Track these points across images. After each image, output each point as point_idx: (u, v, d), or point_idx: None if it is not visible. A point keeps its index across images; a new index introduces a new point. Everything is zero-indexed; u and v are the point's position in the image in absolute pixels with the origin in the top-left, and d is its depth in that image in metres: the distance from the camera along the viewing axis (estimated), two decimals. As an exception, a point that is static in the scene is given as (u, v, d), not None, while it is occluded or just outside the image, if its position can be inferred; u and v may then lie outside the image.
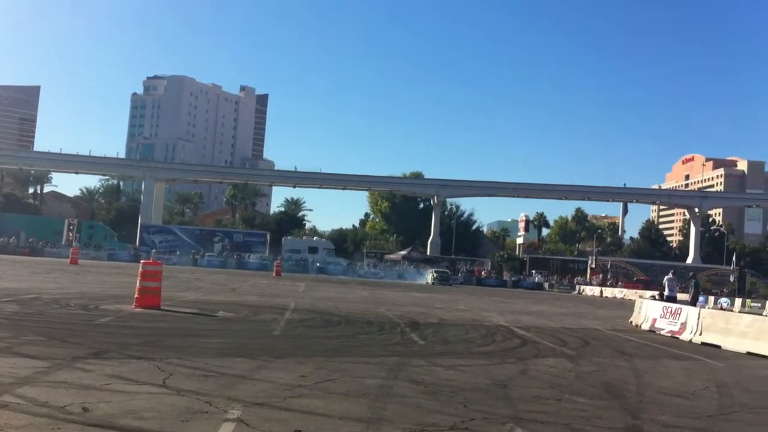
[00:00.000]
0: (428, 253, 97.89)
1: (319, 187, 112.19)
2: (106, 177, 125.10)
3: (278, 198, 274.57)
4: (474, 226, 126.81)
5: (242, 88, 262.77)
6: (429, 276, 73.30)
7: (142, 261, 20.38)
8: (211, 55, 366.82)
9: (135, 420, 6.72)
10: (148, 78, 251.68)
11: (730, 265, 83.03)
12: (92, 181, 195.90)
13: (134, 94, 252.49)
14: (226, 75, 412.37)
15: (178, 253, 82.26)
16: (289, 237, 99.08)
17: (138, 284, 18.42)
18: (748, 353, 17.00)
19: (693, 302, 28.53)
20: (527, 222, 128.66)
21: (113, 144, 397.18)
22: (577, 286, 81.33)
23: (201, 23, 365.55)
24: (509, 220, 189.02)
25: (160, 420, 6.78)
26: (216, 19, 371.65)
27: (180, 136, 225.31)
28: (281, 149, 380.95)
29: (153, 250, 77.41)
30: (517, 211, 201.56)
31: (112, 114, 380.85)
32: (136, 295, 18.30)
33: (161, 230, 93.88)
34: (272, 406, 7.72)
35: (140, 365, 9.71)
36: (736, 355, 17.07)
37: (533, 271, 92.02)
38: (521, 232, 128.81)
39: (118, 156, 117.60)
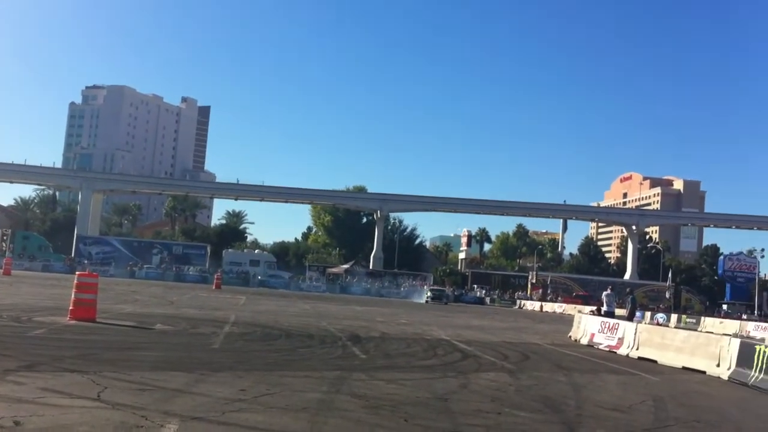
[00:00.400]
0: (371, 267, 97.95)
1: (261, 200, 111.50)
2: (42, 187, 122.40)
3: (219, 210, 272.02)
4: (417, 241, 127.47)
5: (184, 99, 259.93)
6: (425, 294, 73.35)
7: (77, 272, 19.92)
8: (153, 65, 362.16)
9: (67, 435, 6.51)
10: (87, 87, 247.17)
11: (666, 282, 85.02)
12: (27, 191, 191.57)
13: (72, 104, 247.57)
14: (167, 86, 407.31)
15: (114, 265, 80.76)
16: (230, 250, 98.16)
17: (73, 296, 17.98)
18: (684, 368, 17.35)
19: (630, 317, 29.09)
20: (469, 237, 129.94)
21: (50, 154, 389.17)
22: (518, 301, 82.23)
23: (143, 33, 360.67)
24: (452, 235, 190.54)
25: (93, 435, 6.60)
26: (158, 29, 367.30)
27: (119, 147, 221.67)
28: (223, 161, 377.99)
29: (87, 262, 76.00)
30: (460, 226, 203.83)
31: (49, 123, 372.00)
32: (70, 307, 17.84)
33: (98, 241, 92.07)
34: (210, 420, 7.56)
35: (74, 378, 9.44)
36: (672, 369, 17.40)
37: (475, 286, 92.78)
38: (463, 247, 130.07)
39: (54, 166, 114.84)
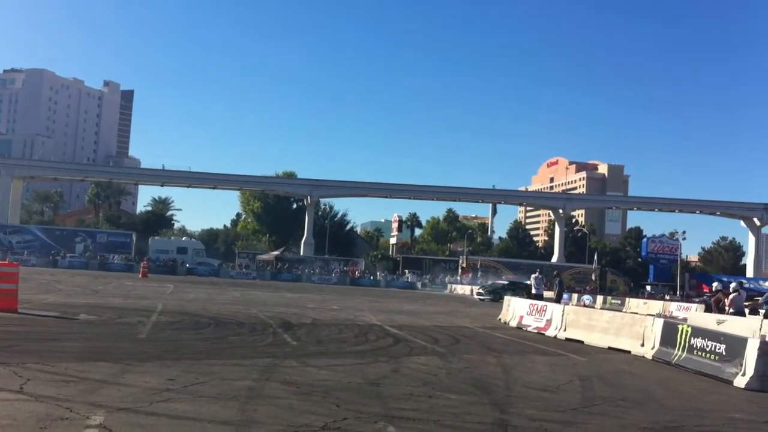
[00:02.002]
0: (302, 254, 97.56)
1: (188, 187, 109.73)
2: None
3: (145, 197, 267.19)
4: (348, 227, 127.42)
5: (106, 83, 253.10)
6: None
7: (-4, 262, 19.29)
8: (73, 49, 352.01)
9: (-12, 428, 6.29)
10: (5, 71, 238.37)
11: (592, 264, 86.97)
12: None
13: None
14: (88, 69, 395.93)
15: (36, 254, 78.49)
16: (156, 237, 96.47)
17: (-8, 286, 17.40)
18: (609, 348, 17.79)
19: (558, 299, 29.66)
20: (400, 222, 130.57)
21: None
22: (449, 285, 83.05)
23: (62, 15, 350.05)
24: (382, 220, 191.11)
25: (17, 427, 6.43)
26: (77, 10, 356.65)
27: (39, 132, 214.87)
28: (148, 147, 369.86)
29: (9, 251, 73.63)
30: (390, 211, 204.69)
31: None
32: (-10, 298, 17.26)
33: (18, 230, 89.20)
34: (137, 411, 7.40)
35: (-6, 371, 9.13)
36: (598, 350, 17.82)
37: (406, 271, 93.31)
38: (394, 233, 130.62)
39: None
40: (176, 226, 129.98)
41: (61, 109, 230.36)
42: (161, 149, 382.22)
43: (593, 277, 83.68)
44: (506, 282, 56.84)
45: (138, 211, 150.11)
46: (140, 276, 57.03)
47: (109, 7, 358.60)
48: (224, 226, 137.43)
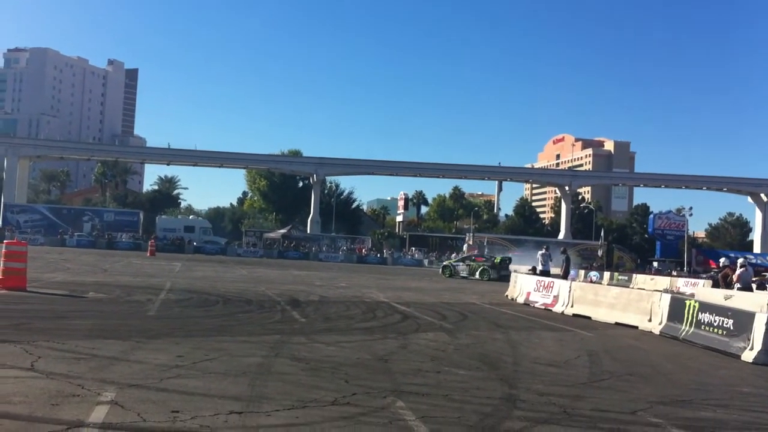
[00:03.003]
0: (308, 232, 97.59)
1: (194, 165, 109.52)
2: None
3: (151, 176, 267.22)
4: (354, 204, 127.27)
5: (110, 62, 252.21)
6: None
7: (5, 241, 19.39)
8: (76, 27, 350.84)
9: (2, 405, 6.38)
10: (9, 50, 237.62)
11: (599, 241, 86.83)
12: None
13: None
14: (92, 48, 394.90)
15: (43, 233, 78.73)
16: (163, 216, 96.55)
17: (1, 265, 17.52)
18: (617, 323, 17.83)
19: (564, 275, 29.64)
20: (406, 200, 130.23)
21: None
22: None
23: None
24: (389, 198, 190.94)
25: (29, 404, 6.46)
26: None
27: (44, 112, 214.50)
28: (154, 126, 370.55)
29: (16, 230, 73.91)
30: (397, 189, 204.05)
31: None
32: (0, 277, 17.37)
33: (26, 209, 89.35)
34: (148, 387, 7.47)
35: (6, 348, 9.21)
36: (605, 325, 17.87)
37: (413, 248, 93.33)
38: (401, 210, 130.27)
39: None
40: (183, 204, 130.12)
41: (65, 88, 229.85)
42: (167, 128, 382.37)
43: (600, 254, 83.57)
44: (461, 257, 57.75)
45: (144, 189, 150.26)
46: (148, 254, 57.19)
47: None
48: (231, 204, 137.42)
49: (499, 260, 48.09)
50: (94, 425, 5.95)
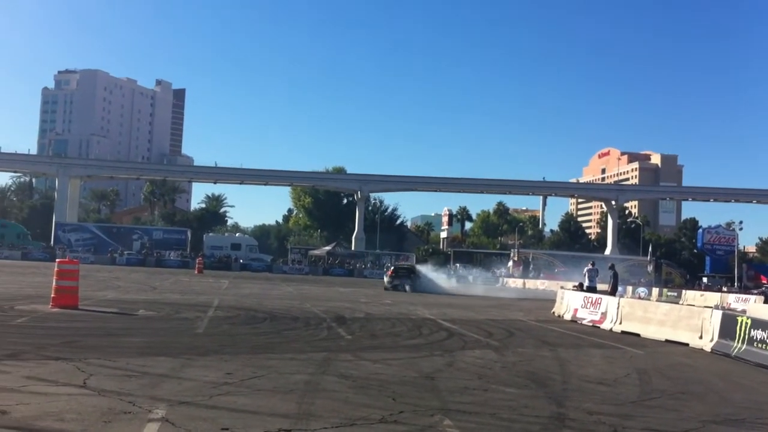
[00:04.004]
0: (353, 248, 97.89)
1: (240, 183, 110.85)
2: (18, 174, 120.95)
3: (198, 194, 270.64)
4: (398, 221, 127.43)
5: (158, 82, 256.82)
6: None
7: (58, 260, 19.79)
8: (125, 48, 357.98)
9: (55, 422, 6.48)
10: (60, 72, 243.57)
11: (647, 256, 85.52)
12: (3, 179, 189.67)
13: (45, 89, 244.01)
14: (140, 69, 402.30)
15: (94, 251, 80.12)
16: (210, 234, 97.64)
17: (54, 284, 17.88)
18: (667, 341, 17.54)
19: (612, 292, 29.23)
20: (450, 216, 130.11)
21: (25, 140, 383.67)
22: (501, 279, 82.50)
23: (114, 16, 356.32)
24: (432, 214, 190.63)
25: (81, 421, 6.57)
26: (129, 11, 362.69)
27: (94, 132, 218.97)
28: (200, 145, 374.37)
29: (68, 249, 75.39)
30: (440, 205, 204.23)
31: (22, 110, 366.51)
32: (52, 295, 17.75)
33: (77, 228, 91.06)
34: (198, 404, 7.56)
35: (59, 366, 9.39)
36: (655, 342, 17.58)
37: (457, 265, 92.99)
38: (445, 226, 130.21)
39: (30, 153, 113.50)
40: (229, 222, 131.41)
41: (115, 108, 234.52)
42: (213, 147, 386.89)
43: (649, 269, 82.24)
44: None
45: (192, 208, 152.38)
46: (196, 272, 57.85)
47: (161, 7, 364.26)
48: (276, 221, 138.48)
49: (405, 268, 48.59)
50: (146, 442, 6.04)
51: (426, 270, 48.81)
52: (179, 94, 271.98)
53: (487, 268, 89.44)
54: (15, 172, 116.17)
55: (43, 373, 8.81)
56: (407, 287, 43.24)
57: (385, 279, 47.03)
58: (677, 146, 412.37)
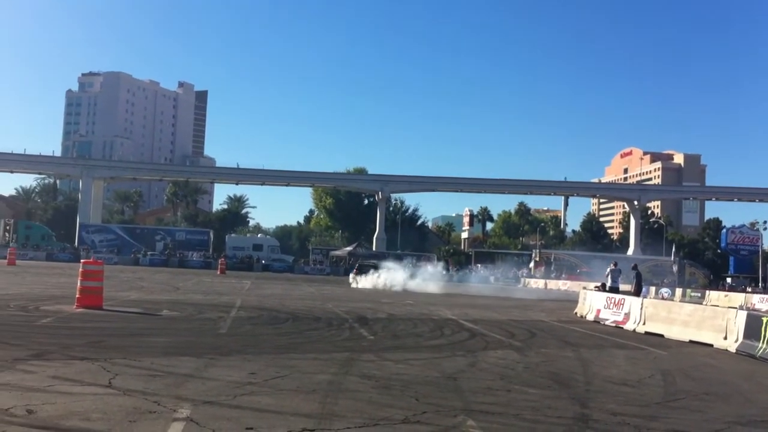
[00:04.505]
0: (374, 249, 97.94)
1: (262, 184, 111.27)
2: (43, 176, 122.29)
3: (220, 195, 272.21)
4: (419, 221, 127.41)
5: (180, 84, 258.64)
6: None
7: (82, 260, 19.97)
8: (148, 51, 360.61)
9: (81, 421, 6.55)
10: (83, 74, 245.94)
11: (670, 257, 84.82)
12: (28, 180, 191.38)
13: (69, 91, 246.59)
14: (163, 71, 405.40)
15: (117, 252, 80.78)
16: (232, 234, 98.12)
17: (79, 284, 18.04)
18: (691, 341, 17.40)
19: (636, 292, 29.01)
20: (471, 216, 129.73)
21: (49, 142, 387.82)
22: (522, 279, 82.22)
23: (136, 19, 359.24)
24: (453, 214, 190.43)
25: (107, 421, 6.63)
26: (151, 14, 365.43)
27: (118, 134, 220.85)
28: (222, 146, 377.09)
29: (92, 250, 76.05)
30: (461, 205, 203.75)
31: (46, 112, 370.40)
32: (77, 296, 17.92)
33: (101, 229, 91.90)
34: (222, 404, 7.61)
35: (84, 366, 9.49)
36: (679, 343, 17.45)
37: (478, 265, 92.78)
38: (466, 227, 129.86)
39: (54, 154, 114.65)
40: (251, 223, 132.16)
41: (138, 110, 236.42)
42: (235, 148, 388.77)
43: (675, 269, 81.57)
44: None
45: (214, 209, 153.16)
46: (218, 272, 58.16)
47: (182, 8, 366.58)
48: (297, 222, 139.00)
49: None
50: (171, 441, 6.09)
51: (394, 266, 49.07)
52: (201, 96, 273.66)
53: (508, 268, 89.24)
54: (39, 173, 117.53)
55: (69, 373, 8.90)
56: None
57: (351, 276, 49.61)
58: (700, 146, 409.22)
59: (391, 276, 45.93)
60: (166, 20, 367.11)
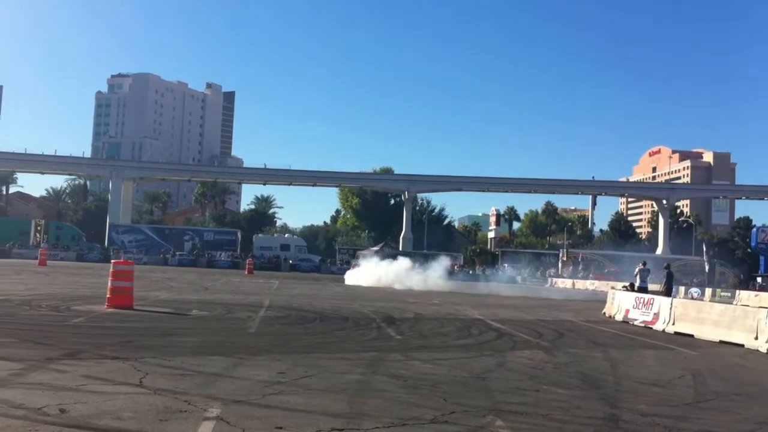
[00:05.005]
0: (401, 249, 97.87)
1: (289, 184, 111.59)
2: (73, 177, 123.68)
3: (248, 195, 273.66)
4: (445, 221, 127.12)
5: (208, 85, 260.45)
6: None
7: (113, 261, 20.17)
8: (176, 52, 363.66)
9: (113, 420, 6.63)
10: (113, 76, 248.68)
11: (699, 256, 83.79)
12: (58, 181, 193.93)
13: (99, 93, 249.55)
14: (191, 72, 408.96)
15: (147, 252, 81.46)
16: (260, 234, 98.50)
17: (110, 284, 18.23)
18: (721, 342, 17.23)
19: (667, 292, 28.71)
20: (498, 216, 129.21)
21: (79, 143, 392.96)
22: (550, 279, 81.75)
23: (165, 20, 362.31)
24: (480, 214, 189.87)
25: (138, 420, 6.71)
26: (179, 15, 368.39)
27: (146, 135, 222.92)
28: (250, 146, 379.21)
29: (122, 250, 76.80)
30: (488, 205, 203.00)
31: (76, 113, 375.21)
32: (108, 295, 18.11)
33: (130, 230, 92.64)
34: (251, 403, 7.67)
35: (116, 365, 9.60)
36: (709, 343, 17.29)
37: (505, 265, 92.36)
38: (492, 226, 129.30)
39: (84, 155, 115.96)
40: (278, 223, 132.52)
41: (166, 111, 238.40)
42: (262, 148, 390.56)
43: (707, 268, 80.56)
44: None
45: (242, 209, 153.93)
46: (246, 272, 58.43)
47: (209, 10, 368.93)
48: (324, 222, 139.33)
49: None
50: (202, 440, 6.16)
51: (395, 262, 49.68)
52: (229, 97, 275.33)
53: (535, 268, 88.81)
54: (70, 174, 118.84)
55: (101, 372, 9.02)
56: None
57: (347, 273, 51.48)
58: (730, 144, 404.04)
59: (386, 272, 46.19)
60: (193, 22, 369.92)
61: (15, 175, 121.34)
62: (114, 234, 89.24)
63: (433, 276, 48.21)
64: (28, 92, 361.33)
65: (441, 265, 52.15)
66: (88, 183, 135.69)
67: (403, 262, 48.29)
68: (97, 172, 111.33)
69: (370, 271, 47.07)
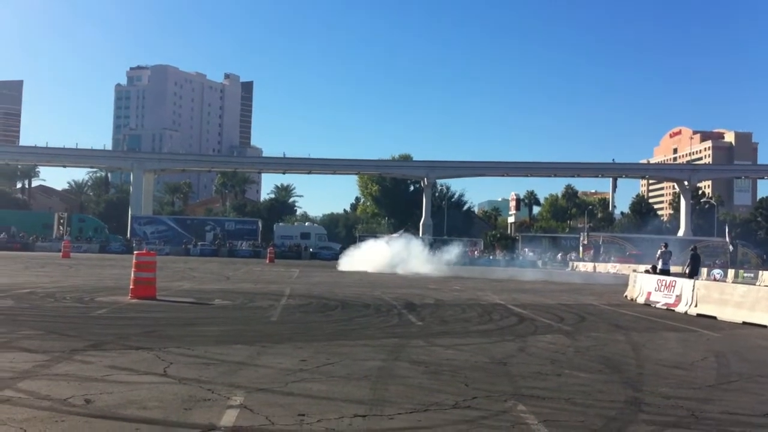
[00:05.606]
0: (421, 235, 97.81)
1: (308, 173, 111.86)
2: (94, 169, 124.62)
3: (268, 185, 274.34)
4: (465, 207, 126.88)
5: (227, 76, 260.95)
6: None
7: (135, 252, 20.35)
8: (194, 43, 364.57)
9: (138, 410, 6.72)
10: (132, 68, 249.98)
11: (722, 237, 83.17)
12: (80, 174, 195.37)
13: (118, 85, 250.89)
14: (209, 63, 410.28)
15: (168, 243, 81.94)
16: (280, 223, 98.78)
17: (132, 275, 18.42)
18: (744, 323, 17.13)
19: (691, 275, 28.44)
20: (518, 200, 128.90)
21: (99, 136, 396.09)
22: (571, 263, 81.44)
23: (182, 11, 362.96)
24: (499, 199, 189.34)
25: (163, 409, 6.79)
26: (197, 6, 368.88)
27: (166, 126, 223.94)
28: (269, 136, 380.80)
29: (144, 241, 77.34)
30: (508, 190, 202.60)
31: (96, 106, 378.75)
32: (131, 286, 18.30)
33: (152, 221, 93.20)
34: (274, 391, 7.74)
35: (140, 355, 9.71)
36: (732, 325, 17.19)
37: (526, 249, 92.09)
38: (512, 211, 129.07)
39: (105, 148, 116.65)
40: (299, 212, 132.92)
41: (185, 103, 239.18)
42: (281, 138, 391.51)
43: (730, 250, 79.86)
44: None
45: (262, 198, 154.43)
46: (267, 261, 58.70)
47: (227, 2, 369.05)
48: (344, 210, 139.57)
49: None
50: (225, 428, 6.22)
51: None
52: (247, 87, 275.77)
53: (556, 252, 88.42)
54: (91, 167, 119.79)
55: (125, 363, 9.13)
56: None
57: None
58: (751, 123, 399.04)
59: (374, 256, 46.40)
60: (211, 13, 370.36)
61: (37, 169, 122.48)
62: (136, 225, 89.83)
63: (441, 261, 48.39)
64: (48, 87, 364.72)
65: (453, 251, 52.56)
66: (109, 175, 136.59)
67: (403, 246, 48.41)
68: (118, 165, 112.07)
69: (370, 256, 47.26)
